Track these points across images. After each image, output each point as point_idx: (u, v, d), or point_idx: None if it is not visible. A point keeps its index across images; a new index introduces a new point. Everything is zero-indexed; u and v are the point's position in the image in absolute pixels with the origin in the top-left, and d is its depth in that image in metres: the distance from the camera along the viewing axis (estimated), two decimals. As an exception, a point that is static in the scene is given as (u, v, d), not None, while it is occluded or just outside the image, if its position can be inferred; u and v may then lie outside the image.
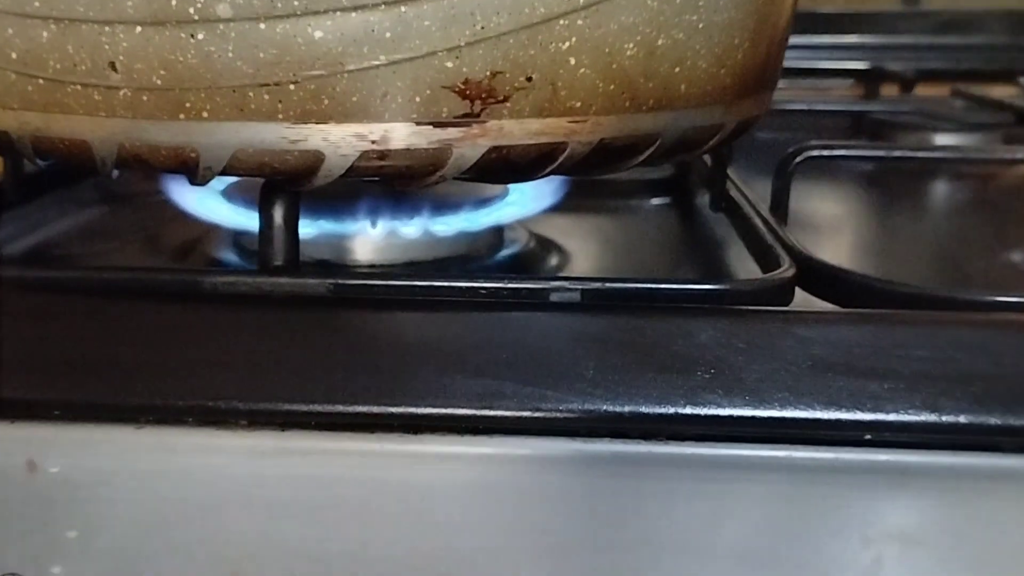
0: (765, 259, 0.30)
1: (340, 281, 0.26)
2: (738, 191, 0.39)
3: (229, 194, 0.37)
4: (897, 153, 0.38)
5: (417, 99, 0.23)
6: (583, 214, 0.47)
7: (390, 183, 0.25)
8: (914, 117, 0.54)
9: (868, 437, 0.23)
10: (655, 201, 0.51)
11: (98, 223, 0.44)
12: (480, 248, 0.38)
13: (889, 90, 0.73)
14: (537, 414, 0.23)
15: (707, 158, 0.45)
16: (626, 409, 0.23)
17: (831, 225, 0.43)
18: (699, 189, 0.50)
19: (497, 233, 0.39)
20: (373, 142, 0.23)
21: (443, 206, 0.36)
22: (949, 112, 0.58)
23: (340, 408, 0.24)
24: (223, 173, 0.24)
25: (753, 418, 0.23)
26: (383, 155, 0.24)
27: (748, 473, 0.23)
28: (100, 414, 0.24)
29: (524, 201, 0.39)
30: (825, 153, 0.35)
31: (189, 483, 0.24)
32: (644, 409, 0.23)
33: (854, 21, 0.86)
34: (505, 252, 0.39)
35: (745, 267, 0.34)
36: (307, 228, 0.35)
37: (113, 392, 0.24)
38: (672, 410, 0.23)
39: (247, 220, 0.35)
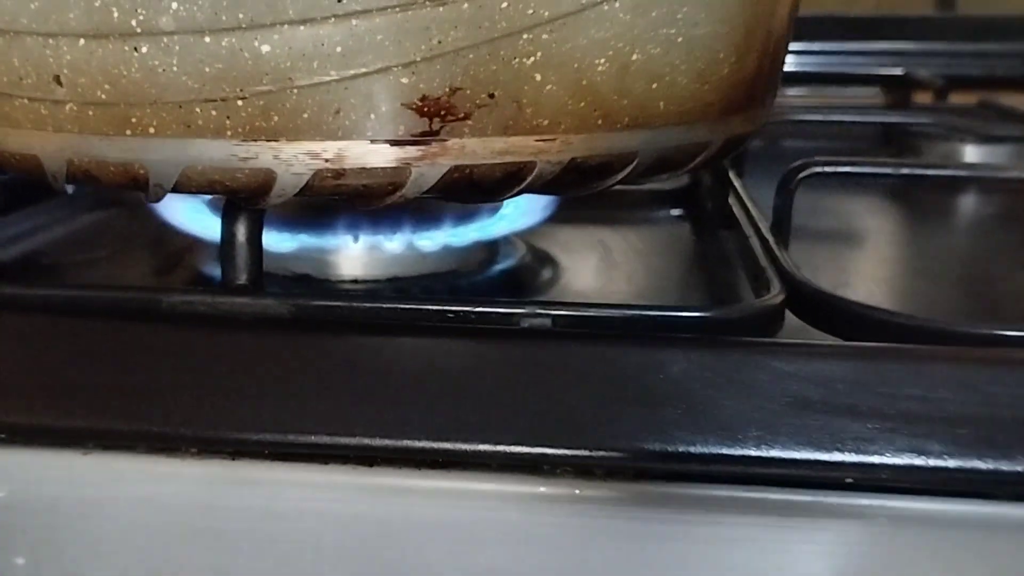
0: (757, 282, 0.29)
1: (301, 302, 0.25)
2: (741, 207, 0.37)
3: (215, 206, 0.36)
4: (906, 171, 0.36)
5: (372, 116, 0.22)
6: (587, 225, 0.45)
7: (347, 202, 0.24)
8: (940, 129, 0.52)
9: (849, 480, 0.21)
10: (666, 213, 0.49)
11: (91, 231, 0.44)
12: (470, 263, 0.37)
13: (922, 98, 0.71)
14: (497, 448, 0.22)
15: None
16: (592, 443, 0.22)
17: (839, 243, 0.41)
18: (709, 199, 0.48)
19: (490, 247, 0.38)
20: (327, 160, 0.22)
21: (429, 220, 0.35)
22: (977, 123, 0.56)
23: (293, 438, 0.23)
24: (175, 190, 0.23)
25: (726, 456, 0.22)
26: (338, 174, 0.22)
27: (719, 515, 0.22)
28: (46, 438, 0.23)
29: (516, 215, 0.38)
30: (829, 169, 0.33)
31: (137, 512, 0.23)
32: (611, 445, 0.22)
33: (885, 26, 0.84)
34: (496, 267, 0.37)
35: (747, 289, 0.32)
36: (287, 242, 0.34)
37: (60, 415, 0.23)
38: (640, 446, 0.22)
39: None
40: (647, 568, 0.22)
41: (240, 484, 0.23)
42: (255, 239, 0.26)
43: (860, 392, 0.22)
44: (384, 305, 0.25)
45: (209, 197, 0.37)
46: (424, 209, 0.36)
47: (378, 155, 0.22)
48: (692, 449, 0.22)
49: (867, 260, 0.39)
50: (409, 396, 0.23)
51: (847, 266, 0.37)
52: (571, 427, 0.22)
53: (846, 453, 0.21)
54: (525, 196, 0.40)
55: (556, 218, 0.38)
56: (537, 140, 0.23)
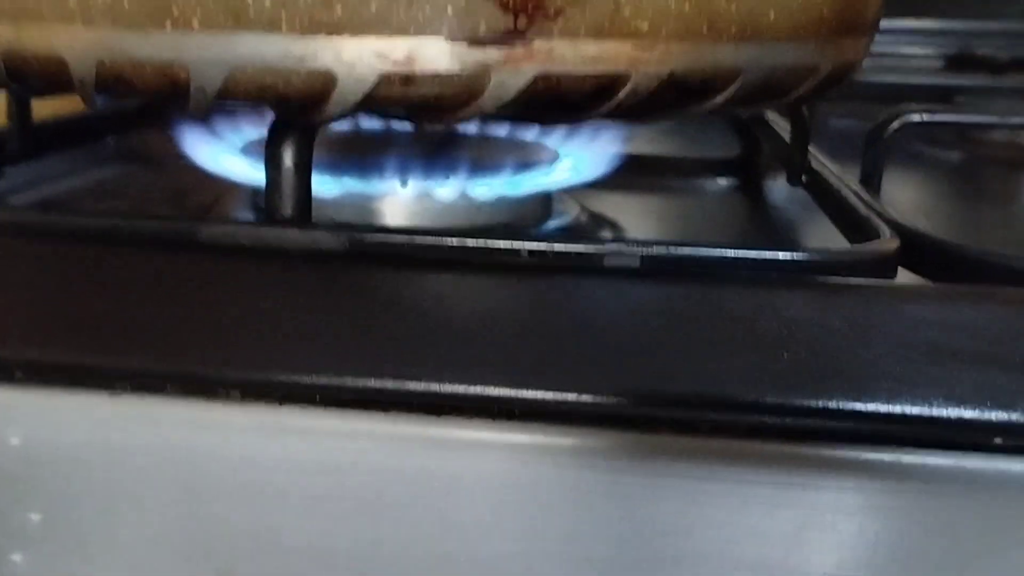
0: (860, 231, 0.26)
1: (359, 236, 0.23)
2: (820, 163, 0.34)
3: (249, 150, 0.34)
4: (1018, 120, 0.33)
5: (449, 10, 0.19)
6: (638, 192, 0.42)
7: (415, 117, 0.21)
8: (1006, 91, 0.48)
9: (998, 440, 0.18)
10: (719, 181, 0.46)
11: (110, 183, 0.41)
12: (524, 217, 0.34)
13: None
14: (585, 398, 0.19)
15: (781, 128, 0.41)
16: (696, 395, 0.19)
17: (920, 210, 0.38)
18: (769, 169, 0.45)
19: (544, 202, 0.35)
20: (395, 62, 0.19)
21: (484, 166, 0.32)
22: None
23: (350, 382, 0.20)
24: (220, 97, 0.20)
25: (853, 412, 0.19)
26: (407, 80, 0.20)
27: (844, 478, 0.19)
28: (70, 378, 0.20)
29: (576, 167, 0.35)
30: (927, 118, 0.30)
31: (171, 462, 0.20)
32: (718, 396, 0.19)
33: (941, 3, 0.81)
34: (552, 224, 0.34)
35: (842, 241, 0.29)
36: (327, 186, 0.31)
37: (86, 352, 0.20)
38: (753, 398, 0.19)
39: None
40: (756, 540, 0.19)
41: (288, 434, 0.20)
42: (304, 165, 0.23)
43: (1010, 342, 0.19)
44: (451, 243, 0.22)
45: (244, 142, 0.34)
46: (480, 153, 0.33)
47: (454, 57, 0.19)
48: (813, 403, 0.19)
49: (962, 212, 0.36)
50: (481, 339, 0.20)
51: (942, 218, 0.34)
52: (669, 376, 0.19)
53: (994, 410, 0.18)
54: (585, 147, 0.37)
55: (606, 185, 0.35)
56: (634, 47, 0.20)
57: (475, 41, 0.19)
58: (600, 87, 0.20)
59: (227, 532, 0.21)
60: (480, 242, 0.22)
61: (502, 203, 0.32)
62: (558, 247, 0.22)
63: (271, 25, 0.19)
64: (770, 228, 0.39)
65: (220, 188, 0.35)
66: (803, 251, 0.22)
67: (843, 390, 0.19)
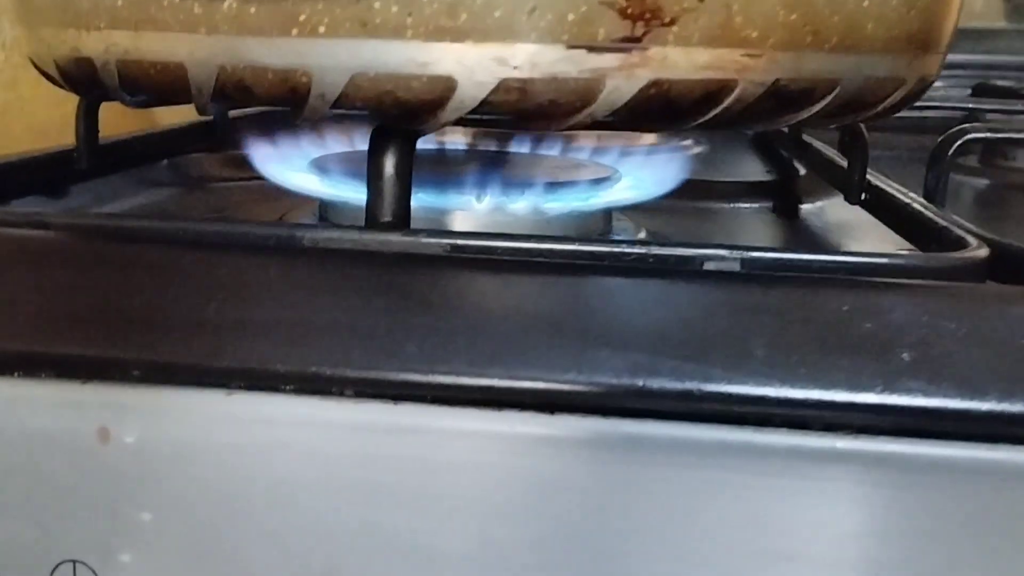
0: (937, 242, 0.26)
1: (459, 241, 0.23)
2: (879, 181, 0.35)
3: (318, 167, 0.34)
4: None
5: (570, 17, 0.19)
6: (681, 215, 0.43)
7: (526, 123, 0.21)
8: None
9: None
10: (755, 204, 0.47)
11: (170, 203, 0.41)
12: (589, 232, 0.34)
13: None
14: (702, 388, 0.19)
15: (827, 150, 0.41)
16: (808, 395, 0.19)
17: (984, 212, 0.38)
18: (804, 193, 0.46)
19: (606, 219, 0.35)
20: (515, 67, 0.20)
21: (553, 183, 0.33)
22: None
23: (464, 380, 0.20)
24: (336, 105, 0.21)
25: (967, 412, 0.19)
26: (524, 85, 0.20)
27: (957, 476, 0.19)
28: (186, 377, 0.21)
29: (639, 185, 0.36)
30: (989, 136, 0.31)
31: (284, 460, 0.21)
32: (830, 396, 0.19)
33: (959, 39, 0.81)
34: (615, 238, 0.35)
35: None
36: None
37: (202, 353, 0.21)
38: (866, 398, 0.19)
39: (338, 190, 0.32)
40: (874, 537, 0.19)
41: (402, 432, 0.20)
42: (405, 173, 0.23)
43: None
44: (552, 247, 0.23)
45: (306, 160, 0.35)
46: (550, 171, 0.34)
47: (572, 63, 0.20)
48: (926, 402, 0.19)
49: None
50: (593, 337, 0.20)
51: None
52: (783, 373, 0.20)
53: (1107, 408, 0.19)
54: (647, 167, 0.38)
55: (650, 207, 0.36)
56: (743, 55, 0.20)
57: (594, 48, 0.20)
58: (708, 94, 0.21)
59: (336, 530, 0.21)
60: (581, 246, 0.23)
61: (567, 219, 0.33)
62: (656, 250, 0.23)
63: (396, 32, 0.19)
64: (823, 243, 0.39)
65: (275, 211, 0.36)
66: (902, 256, 0.22)
67: (956, 389, 0.19)
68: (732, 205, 0.47)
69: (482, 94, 0.20)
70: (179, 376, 0.21)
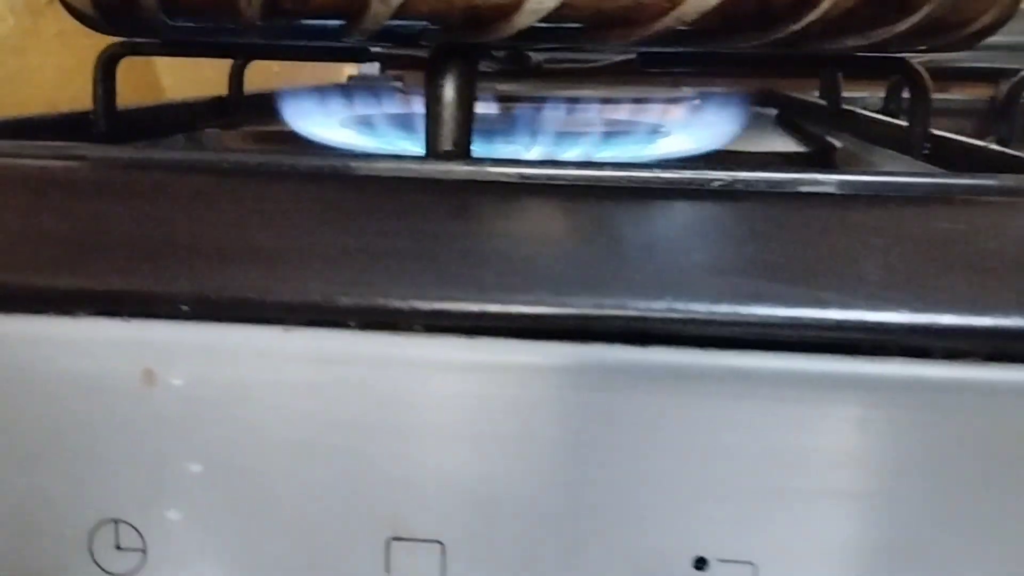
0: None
1: (529, 170, 0.21)
2: (941, 133, 0.33)
3: (358, 122, 0.32)
4: None
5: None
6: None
7: (604, 32, 0.19)
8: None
9: None
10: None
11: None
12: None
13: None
14: (811, 314, 0.18)
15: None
16: (930, 319, 0.18)
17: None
18: (844, 164, 0.45)
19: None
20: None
21: (607, 133, 0.31)
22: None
23: (546, 309, 0.18)
24: (400, 12, 0.19)
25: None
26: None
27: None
28: (238, 312, 0.19)
29: (686, 140, 0.34)
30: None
31: (349, 402, 0.19)
32: (956, 320, 0.18)
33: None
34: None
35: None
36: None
37: (255, 285, 0.19)
38: (995, 321, 0.17)
39: (383, 141, 0.30)
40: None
41: (478, 369, 0.19)
42: (466, 97, 0.22)
43: None
44: (635, 173, 0.21)
45: (343, 115, 0.33)
46: (598, 121, 0.32)
47: (665, -42, 0.18)
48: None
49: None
50: (692, 261, 0.19)
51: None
52: (901, 296, 0.18)
53: None
54: (695, 124, 0.36)
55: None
56: (846, -48, 0.19)
57: (688, -61, 0.18)
58: (805, -5, 0.19)
59: (405, 478, 0.19)
60: (664, 172, 0.21)
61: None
62: (743, 175, 0.21)
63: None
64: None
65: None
66: (1011, 178, 0.21)
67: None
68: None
69: (559, -4, 0.18)
70: (232, 311, 0.19)
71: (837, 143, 0.48)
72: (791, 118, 0.56)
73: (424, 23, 0.20)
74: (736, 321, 0.18)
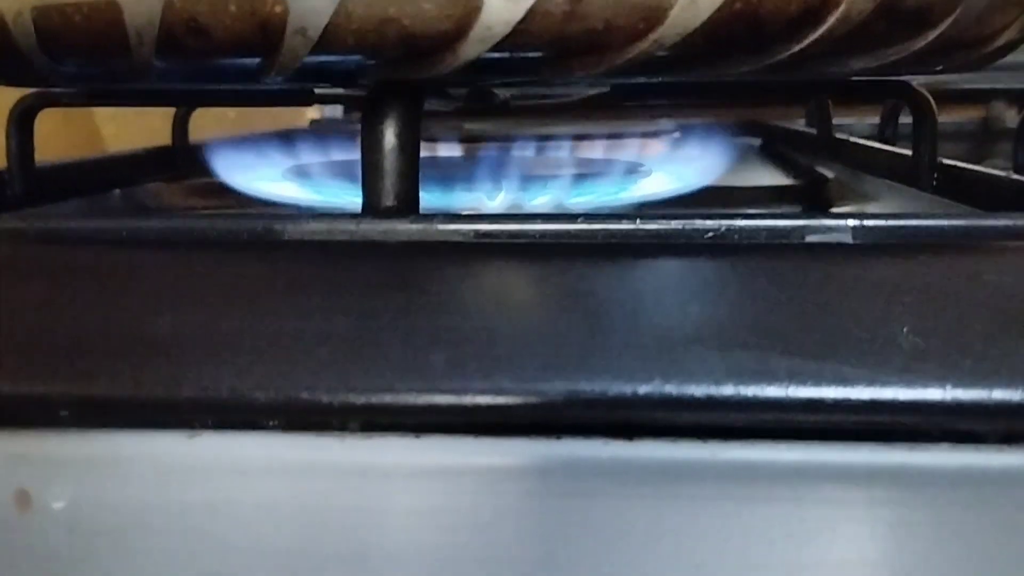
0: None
1: (485, 227, 0.18)
2: (950, 162, 0.30)
3: (296, 174, 0.29)
4: None
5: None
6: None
7: (569, 61, 0.16)
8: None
9: None
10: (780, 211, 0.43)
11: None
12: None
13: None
14: (833, 394, 0.14)
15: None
16: (979, 395, 0.14)
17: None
18: (836, 197, 0.42)
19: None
20: (560, -22, 0.15)
21: (579, 176, 0.28)
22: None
23: (509, 399, 0.15)
24: (321, 45, 0.16)
25: None
26: (571, 5, 0.15)
27: None
28: (131, 416, 0.15)
29: (668, 179, 0.31)
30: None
31: (271, 523, 0.15)
32: (1011, 394, 0.14)
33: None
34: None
35: None
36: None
37: (152, 381, 0.15)
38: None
39: (325, 194, 0.27)
40: None
41: (427, 474, 0.15)
42: (409, 142, 0.18)
43: None
44: (610, 226, 0.18)
45: (283, 168, 0.30)
46: (570, 165, 0.29)
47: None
48: None
49: None
50: (684, 337, 0.15)
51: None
52: (939, 370, 0.15)
53: None
54: (676, 160, 0.33)
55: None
56: (851, -40, 0.16)
57: (664, -54, 0.15)
58: (806, 11, 0.16)
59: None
60: (646, 224, 0.18)
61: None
62: (741, 223, 0.18)
63: (400, -67, 0.14)
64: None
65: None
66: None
67: None
68: (756, 212, 0.43)
69: (517, 15, 0.15)
70: (123, 415, 0.15)
71: (828, 174, 0.45)
72: (776, 148, 0.54)
73: (356, 57, 0.17)
74: (742, 405, 0.14)
